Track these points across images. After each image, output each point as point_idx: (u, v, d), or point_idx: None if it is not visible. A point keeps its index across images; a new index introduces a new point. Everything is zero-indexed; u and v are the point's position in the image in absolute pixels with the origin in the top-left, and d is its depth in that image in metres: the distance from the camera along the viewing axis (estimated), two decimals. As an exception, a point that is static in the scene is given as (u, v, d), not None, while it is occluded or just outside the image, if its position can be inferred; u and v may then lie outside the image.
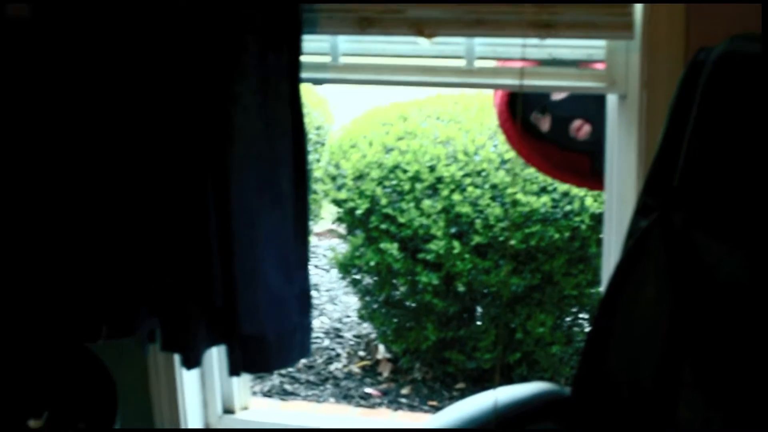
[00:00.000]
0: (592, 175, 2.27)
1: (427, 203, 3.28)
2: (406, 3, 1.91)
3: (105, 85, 1.96)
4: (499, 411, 1.59)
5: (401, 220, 3.30)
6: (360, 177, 3.44)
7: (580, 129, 2.20)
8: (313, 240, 4.73)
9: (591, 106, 2.18)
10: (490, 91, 2.34)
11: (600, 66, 1.95)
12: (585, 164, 2.25)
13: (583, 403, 1.66)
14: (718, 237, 1.50)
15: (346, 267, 3.56)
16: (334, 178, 3.55)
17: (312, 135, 4.41)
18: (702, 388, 1.50)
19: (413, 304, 3.41)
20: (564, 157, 2.26)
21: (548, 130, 2.23)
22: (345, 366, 3.75)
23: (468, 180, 3.28)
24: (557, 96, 2.18)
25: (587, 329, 3.40)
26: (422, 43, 1.95)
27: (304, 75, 1.94)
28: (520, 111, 2.24)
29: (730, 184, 1.50)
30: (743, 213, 1.48)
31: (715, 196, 1.51)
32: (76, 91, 1.98)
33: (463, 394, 3.46)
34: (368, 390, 3.57)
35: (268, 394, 3.54)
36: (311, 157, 4.26)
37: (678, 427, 1.52)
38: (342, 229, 3.74)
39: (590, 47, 1.92)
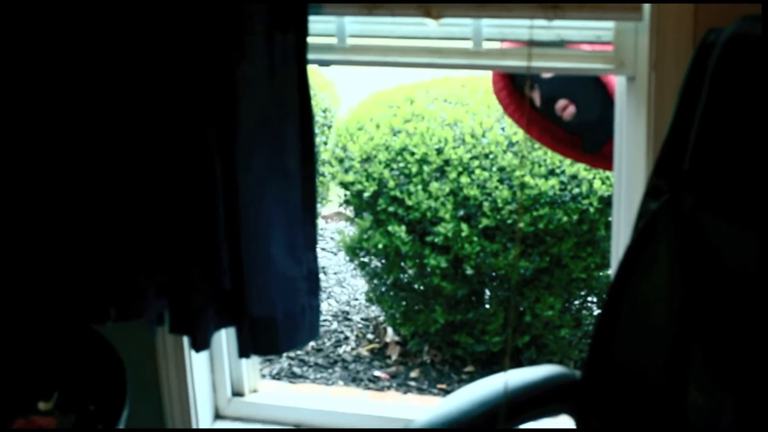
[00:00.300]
0: (585, 155, 2.25)
1: (434, 186, 3.28)
2: (413, -16, 1.90)
3: (113, 65, 1.95)
4: (510, 394, 1.59)
5: (409, 202, 3.29)
6: (367, 159, 3.43)
7: (565, 109, 2.18)
8: (320, 223, 4.73)
9: (576, 87, 2.15)
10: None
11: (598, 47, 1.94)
12: (577, 142, 2.24)
13: (594, 386, 1.66)
14: (729, 219, 1.50)
15: (353, 250, 3.56)
16: (341, 161, 3.54)
17: (319, 117, 4.40)
18: (712, 371, 1.50)
19: (421, 287, 3.41)
20: (560, 132, 2.24)
21: (540, 105, 2.21)
22: (353, 349, 3.75)
23: (476, 162, 3.28)
24: (546, 73, 2.16)
25: (596, 312, 3.40)
26: (430, 25, 1.94)
27: (310, 56, 1.93)
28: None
29: (741, 165, 1.49)
30: (755, 194, 1.47)
31: (726, 178, 1.51)
32: (88, 72, 1.97)
33: (472, 377, 3.46)
34: (377, 373, 3.57)
35: (277, 377, 3.54)
36: (318, 140, 4.25)
37: (689, 411, 1.52)
38: (349, 211, 3.73)
39: (598, 29, 1.90)
